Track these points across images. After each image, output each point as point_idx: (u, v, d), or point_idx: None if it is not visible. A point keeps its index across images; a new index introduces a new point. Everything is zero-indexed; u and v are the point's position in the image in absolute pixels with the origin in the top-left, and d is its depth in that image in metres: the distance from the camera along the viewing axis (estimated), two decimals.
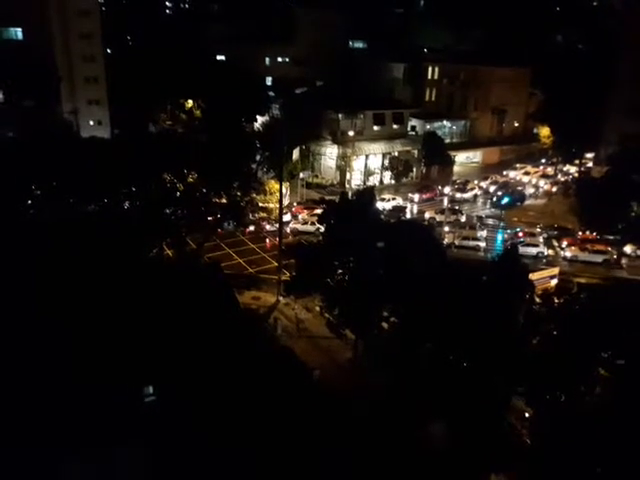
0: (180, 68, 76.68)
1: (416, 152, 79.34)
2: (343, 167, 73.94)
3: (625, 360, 26.08)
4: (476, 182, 76.50)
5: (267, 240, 54.70)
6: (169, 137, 52.83)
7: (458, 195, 70.45)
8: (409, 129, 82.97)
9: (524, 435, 27.43)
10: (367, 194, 36.82)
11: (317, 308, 38.21)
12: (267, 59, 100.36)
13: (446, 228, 56.99)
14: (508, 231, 59.41)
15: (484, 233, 57.38)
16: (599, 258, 52.78)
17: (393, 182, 77.87)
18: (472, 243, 55.07)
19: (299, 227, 57.41)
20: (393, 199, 66.27)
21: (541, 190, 76.57)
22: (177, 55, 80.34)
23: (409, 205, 67.01)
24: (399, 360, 28.98)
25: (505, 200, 67.86)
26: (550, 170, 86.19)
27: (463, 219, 62.16)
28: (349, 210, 35.15)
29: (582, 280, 48.82)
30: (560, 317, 28.56)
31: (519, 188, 74.87)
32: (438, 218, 60.26)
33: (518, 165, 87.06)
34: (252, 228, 55.94)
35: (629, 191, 49.44)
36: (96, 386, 21.92)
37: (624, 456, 22.89)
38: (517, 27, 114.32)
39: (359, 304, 32.12)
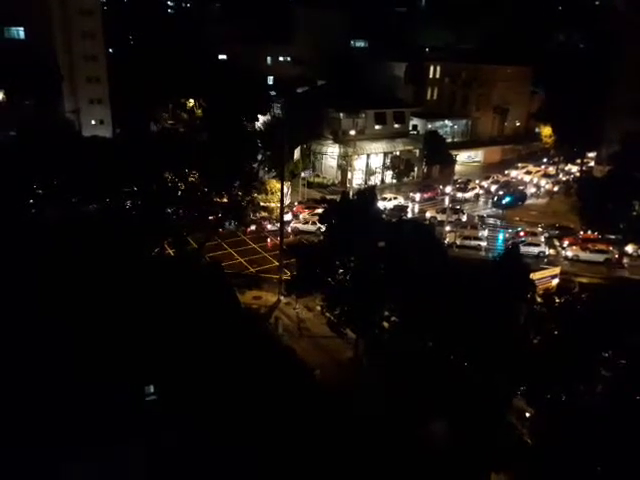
0: (181, 67, 76.68)
1: (417, 151, 79.33)
2: (344, 166, 73.92)
3: (626, 360, 26.07)
4: (477, 181, 76.47)
5: (268, 239, 54.73)
6: (170, 136, 52.87)
7: (459, 194, 70.34)
8: (410, 128, 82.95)
9: (525, 434, 27.41)
10: (368, 193, 36.79)
11: (318, 307, 38.18)
12: (268, 58, 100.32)
13: (447, 227, 56.96)
14: (509, 230, 59.39)
15: (485, 232, 57.36)
16: (601, 258, 52.73)
17: (394, 181, 77.89)
18: (473, 243, 55.06)
19: (300, 226, 57.40)
20: (394, 198, 66.28)
21: (542, 189, 76.51)
22: (178, 54, 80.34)
23: (410, 204, 67.00)
24: (400, 359, 28.99)
25: (506, 199, 67.91)
26: (552, 169, 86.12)
27: (464, 218, 62.12)
28: (350, 209, 35.15)
29: (583, 280, 48.79)
30: (561, 317, 28.52)
31: (520, 187, 74.84)
32: (439, 217, 60.23)
33: (520, 164, 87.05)
34: (253, 227, 55.97)
35: (631, 190, 49.40)
36: (97, 385, 21.98)
37: (624, 456, 22.90)
38: (519, 26, 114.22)
39: (360, 303, 32.14)
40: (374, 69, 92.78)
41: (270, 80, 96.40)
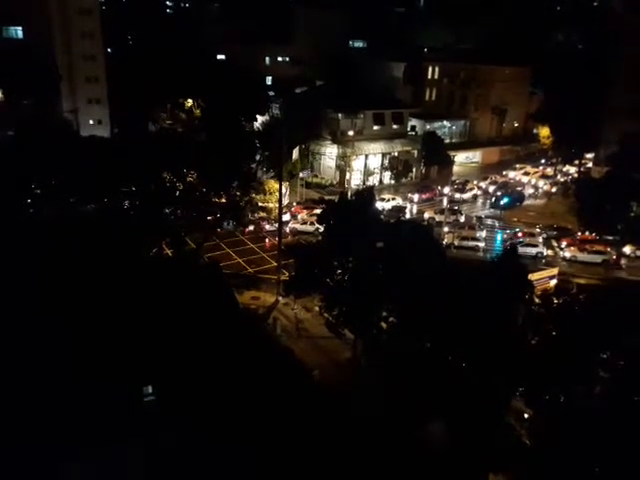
0: (180, 67, 76.68)
1: (416, 152, 79.37)
2: (343, 167, 73.95)
3: (624, 361, 26.10)
4: (475, 182, 76.57)
5: (266, 240, 54.72)
6: (169, 136, 52.84)
7: (457, 195, 70.45)
8: (409, 129, 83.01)
9: (523, 435, 27.43)
10: (367, 194, 36.80)
11: (316, 308, 38.20)
12: (267, 58, 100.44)
13: (445, 228, 56.99)
14: (507, 231, 59.48)
15: (483, 233, 57.41)
16: (598, 258, 52.82)
17: (393, 182, 77.92)
18: (471, 243, 55.10)
19: (298, 227, 57.41)
20: (393, 199, 66.30)
21: (540, 190, 76.64)
22: (177, 54, 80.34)
23: (409, 205, 67.05)
24: (398, 360, 29.00)
25: (504, 200, 67.96)
26: (550, 170, 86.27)
27: (462, 219, 62.21)
28: (348, 210, 35.14)
29: (581, 281, 48.86)
30: (559, 318, 28.55)
31: (518, 188, 74.93)
32: (437, 218, 60.24)
33: (518, 165, 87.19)
34: (251, 228, 55.98)
35: (628, 191, 49.47)
36: (95, 385, 21.94)
37: (623, 457, 22.92)
38: (518, 26, 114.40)
39: (358, 304, 32.14)
40: (373, 69, 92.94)
41: (269, 80, 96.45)
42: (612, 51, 78.13)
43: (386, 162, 77.49)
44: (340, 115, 73.41)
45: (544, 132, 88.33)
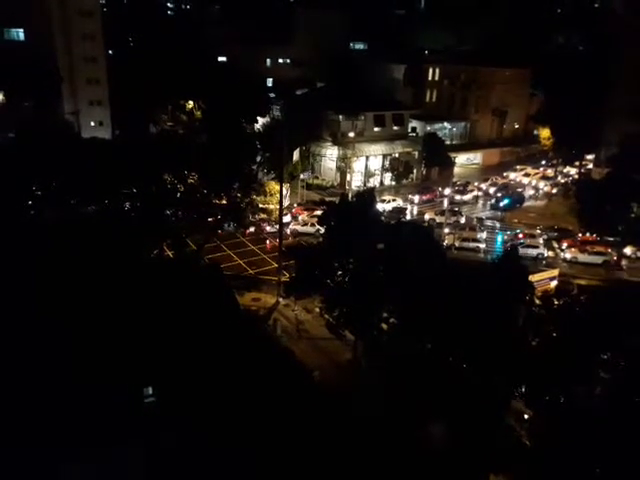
0: (181, 69, 76.81)
1: (416, 153, 79.38)
2: (343, 168, 73.99)
3: (625, 362, 26.10)
4: (476, 184, 76.56)
5: (267, 241, 54.74)
6: (170, 138, 52.84)
7: (458, 197, 70.43)
8: (409, 130, 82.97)
9: (523, 436, 27.43)
10: (367, 195, 36.81)
11: (317, 309, 38.23)
12: (268, 60, 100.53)
13: (446, 229, 57.02)
14: (508, 232, 59.46)
15: (484, 234, 57.41)
16: (599, 260, 52.81)
17: (393, 183, 77.93)
18: (472, 244, 55.12)
19: (299, 228, 57.42)
20: (393, 200, 66.35)
21: (541, 192, 76.62)
22: (178, 56, 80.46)
23: (409, 206, 67.08)
24: (399, 361, 29.01)
25: (505, 202, 68.00)
26: (550, 172, 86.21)
27: (463, 220, 62.21)
28: (349, 211, 35.19)
29: (582, 282, 48.86)
30: (560, 319, 28.57)
31: (519, 190, 74.92)
32: (438, 219, 60.27)
33: (518, 167, 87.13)
34: (252, 229, 55.95)
35: (629, 192, 49.49)
36: (96, 386, 21.98)
37: (623, 457, 22.92)
38: (518, 28, 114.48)
39: (359, 305, 32.16)
40: (373, 71, 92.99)
41: (269, 82, 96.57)
42: (612, 53, 78.16)
43: (387, 163, 77.52)
44: (341, 117, 73.43)
45: (544, 133, 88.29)
